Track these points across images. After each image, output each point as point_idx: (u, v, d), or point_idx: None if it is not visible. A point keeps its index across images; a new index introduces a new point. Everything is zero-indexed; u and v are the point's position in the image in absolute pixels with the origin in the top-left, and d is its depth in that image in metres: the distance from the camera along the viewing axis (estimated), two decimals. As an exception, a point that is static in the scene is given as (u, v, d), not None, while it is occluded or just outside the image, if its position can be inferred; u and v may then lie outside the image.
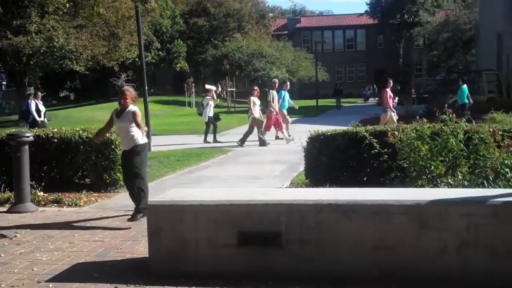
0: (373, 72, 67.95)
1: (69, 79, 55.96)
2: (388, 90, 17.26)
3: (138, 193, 7.37)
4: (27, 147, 8.59)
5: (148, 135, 16.30)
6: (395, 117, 16.95)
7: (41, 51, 29.35)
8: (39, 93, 21.30)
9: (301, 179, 10.05)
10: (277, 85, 18.76)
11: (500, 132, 6.78)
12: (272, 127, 18.51)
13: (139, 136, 7.46)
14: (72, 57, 30.69)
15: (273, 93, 18.09)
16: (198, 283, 4.88)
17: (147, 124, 16.60)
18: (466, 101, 21.49)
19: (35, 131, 10.64)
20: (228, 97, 42.94)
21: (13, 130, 10.44)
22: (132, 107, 7.48)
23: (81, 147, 9.92)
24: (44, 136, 10.06)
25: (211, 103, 19.43)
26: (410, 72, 66.34)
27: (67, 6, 26.53)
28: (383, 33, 67.05)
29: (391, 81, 17.98)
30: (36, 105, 19.50)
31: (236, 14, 57.44)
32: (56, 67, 33.38)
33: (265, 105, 18.34)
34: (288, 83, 20.12)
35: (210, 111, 19.14)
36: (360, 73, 71.52)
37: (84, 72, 35.44)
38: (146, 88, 17.02)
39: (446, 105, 8.24)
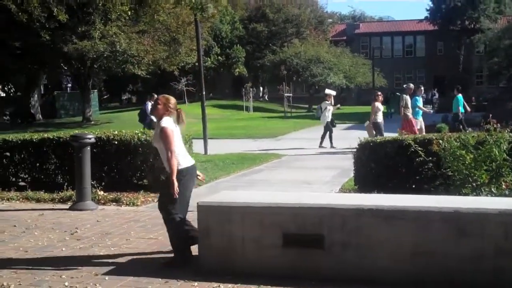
0: (433, 79, 67.02)
1: (132, 82, 57.27)
2: (377, 103, 17.03)
3: (170, 238, 5.93)
4: (88, 148, 9.08)
5: (204, 139, 16.97)
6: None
7: (105, 55, 30.37)
8: (155, 95, 22.03)
9: (350, 185, 10.22)
10: (412, 90, 18.04)
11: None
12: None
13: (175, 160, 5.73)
14: (134, 61, 31.57)
15: (406, 98, 16.91)
16: (244, 281, 5.16)
17: (204, 128, 17.10)
18: (462, 110, 20.91)
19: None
20: (285, 102, 43.20)
21: (76, 131, 10.97)
22: (163, 121, 5.85)
23: (140, 149, 10.34)
24: (105, 138, 10.53)
25: (330, 108, 19.50)
26: (470, 79, 65.13)
27: (129, 14, 27.38)
28: (443, 40, 66.00)
29: (379, 94, 17.67)
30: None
31: (294, 19, 57.65)
32: (118, 71, 34.37)
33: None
34: (423, 88, 18.93)
35: (328, 116, 19.19)
36: (419, 80, 70.47)
37: (146, 76, 36.33)
38: (204, 93, 17.46)
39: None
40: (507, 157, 6.46)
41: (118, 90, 61.71)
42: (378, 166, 9.16)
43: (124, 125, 25.48)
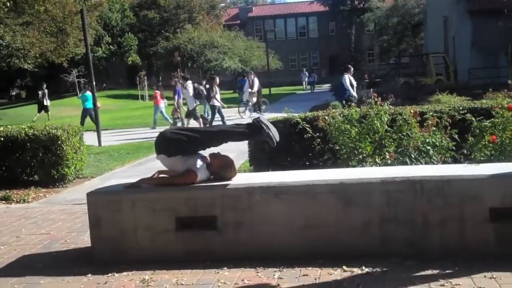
0: (327, 59, 68.74)
1: (19, 76, 55.00)
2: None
3: None
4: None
5: (97, 130, 16.61)
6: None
7: (-14, 49, 29.01)
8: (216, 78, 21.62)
9: (246, 166, 10.33)
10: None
11: (430, 113, 7.16)
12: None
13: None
14: (19, 54, 30.35)
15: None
16: (138, 268, 5.12)
17: (96, 118, 16.72)
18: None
19: None
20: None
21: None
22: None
23: (28, 144, 9.99)
24: (-11, 135, 10.11)
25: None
26: (362, 57, 67.31)
27: (8, 5, 26.13)
28: (335, 20, 67.75)
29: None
30: None
31: (186, 5, 57.27)
32: (3, 65, 32.92)
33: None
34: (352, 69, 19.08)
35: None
36: (313, 60, 72.08)
37: (34, 70, 34.98)
38: (94, 83, 17.05)
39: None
40: (389, 129, 6.75)
41: (5, 86, 58.94)
42: (271, 146, 9.26)
43: (13, 122, 24.51)
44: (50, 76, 47.29)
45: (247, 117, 21.76)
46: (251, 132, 5.33)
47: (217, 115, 19.55)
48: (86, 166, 11.33)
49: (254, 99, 23.49)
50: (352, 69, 18.59)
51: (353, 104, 7.83)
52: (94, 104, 17.23)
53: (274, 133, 5.28)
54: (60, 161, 9.98)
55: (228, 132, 5.43)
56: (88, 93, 21.41)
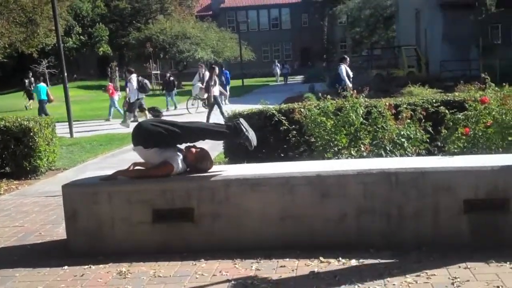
0: (299, 51, 68.83)
1: (-13, 67, 54.13)
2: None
3: None
4: None
5: (69, 121, 16.42)
6: None
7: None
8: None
9: (221, 158, 10.32)
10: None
11: (404, 106, 7.23)
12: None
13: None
14: (-13, 45, 29.82)
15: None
16: (115, 260, 5.09)
17: (68, 110, 16.52)
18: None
19: None
20: (153, 80, 42.65)
21: None
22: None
23: (-1, 136, 9.86)
24: (-41, 127, 9.94)
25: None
26: (335, 49, 67.53)
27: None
28: (307, 12, 67.83)
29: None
30: None
31: (158, -5, 56.81)
32: (-30, 56, 32.34)
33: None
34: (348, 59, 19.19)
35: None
36: (286, 52, 72.09)
37: (3, 60, 34.38)
38: (66, 74, 16.85)
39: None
40: (364, 121, 6.80)
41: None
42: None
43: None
44: (20, 67, 46.58)
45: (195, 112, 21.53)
46: (231, 134, 5.36)
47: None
48: (58, 157, 11.21)
49: (205, 95, 22.39)
50: (348, 59, 18.68)
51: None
52: (67, 96, 17.02)
53: (253, 137, 5.35)
54: (32, 152, 9.87)
55: (208, 130, 5.44)
56: (41, 85, 22.07)
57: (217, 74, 19.68)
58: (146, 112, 18.67)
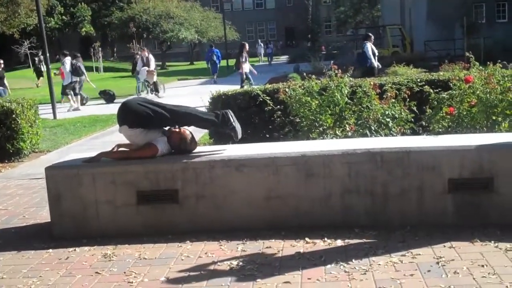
0: (284, 30, 68.59)
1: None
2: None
3: None
4: None
5: (52, 103, 16.27)
6: None
7: None
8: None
9: (206, 139, 10.28)
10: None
11: (389, 85, 7.23)
12: None
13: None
14: (-33, 25, 29.43)
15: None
16: (100, 243, 5.07)
17: (50, 91, 16.34)
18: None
19: None
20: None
21: None
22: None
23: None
24: None
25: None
26: (319, 29, 67.40)
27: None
28: (292, -10, 67.58)
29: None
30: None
31: (141, -26, 56.18)
32: (-50, 36, 31.92)
33: None
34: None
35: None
36: (271, 32, 71.85)
37: (-16, 41, 34.04)
38: (48, 55, 16.67)
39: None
40: (349, 101, 6.78)
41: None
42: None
43: None
44: (1, 47, 46.04)
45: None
46: (219, 122, 5.35)
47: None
48: (42, 140, 11.10)
49: (155, 78, 21.96)
50: (372, 37, 17.98)
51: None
52: (49, 77, 16.80)
53: (239, 129, 5.38)
54: (15, 135, 9.76)
55: (197, 116, 5.40)
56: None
57: (247, 51, 19.51)
58: (75, 97, 18.94)
